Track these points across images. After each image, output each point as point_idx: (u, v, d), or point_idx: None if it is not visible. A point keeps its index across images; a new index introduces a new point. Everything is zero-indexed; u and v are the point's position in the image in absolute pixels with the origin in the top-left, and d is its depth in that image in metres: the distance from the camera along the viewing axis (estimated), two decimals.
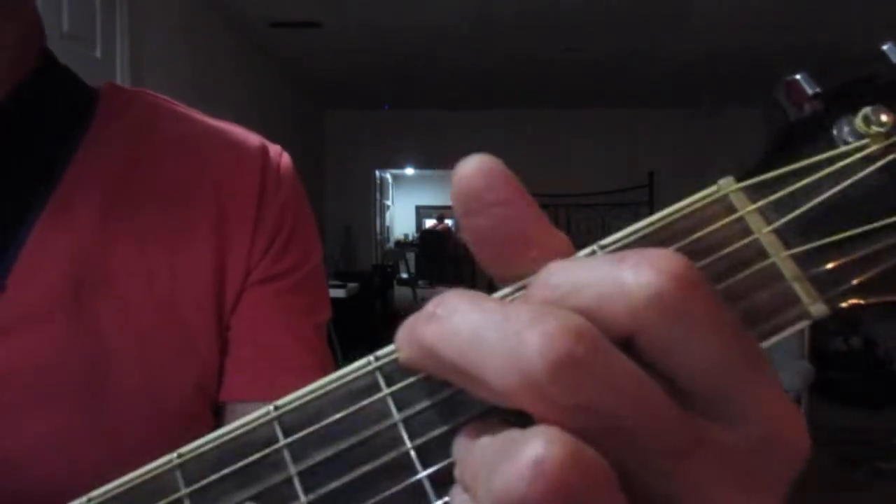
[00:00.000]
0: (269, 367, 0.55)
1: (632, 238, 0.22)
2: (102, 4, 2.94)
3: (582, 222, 7.34)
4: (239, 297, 0.56)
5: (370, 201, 8.77)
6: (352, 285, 5.17)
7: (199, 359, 0.54)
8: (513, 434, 0.17)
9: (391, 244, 12.41)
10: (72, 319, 0.49)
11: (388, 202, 12.71)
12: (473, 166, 0.21)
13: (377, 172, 9.14)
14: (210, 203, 0.56)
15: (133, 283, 0.52)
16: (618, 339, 0.18)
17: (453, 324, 0.19)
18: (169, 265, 0.53)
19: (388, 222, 12.48)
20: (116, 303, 0.51)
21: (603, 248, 0.22)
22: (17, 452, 0.47)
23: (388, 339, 0.22)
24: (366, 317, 5.73)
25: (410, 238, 13.54)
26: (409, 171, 11.09)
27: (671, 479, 0.18)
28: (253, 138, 0.61)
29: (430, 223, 13.29)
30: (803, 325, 0.21)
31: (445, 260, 10.70)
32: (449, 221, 12.12)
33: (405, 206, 14.41)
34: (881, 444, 4.19)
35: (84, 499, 0.23)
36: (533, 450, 0.16)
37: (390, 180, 13.02)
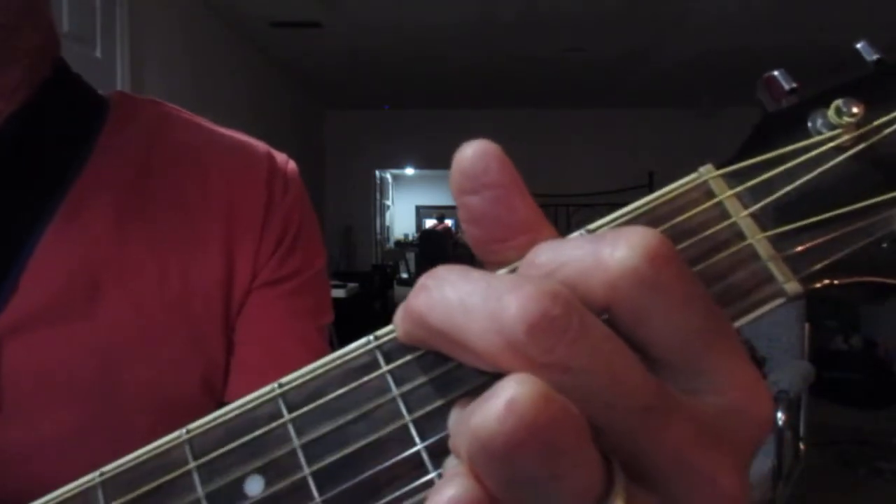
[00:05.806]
0: (274, 367, 0.56)
1: (617, 223, 0.23)
2: (102, 4, 2.94)
3: (582, 222, 7.32)
4: (245, 298, 0.57)
5: (370, 201, 8.76)
6: (352, 285, 5.16)
7: (207, 357, 0.55)
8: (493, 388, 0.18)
9: (391, 244, 12.40)
10: (84, 318, 0.50)
11: (388, 202, 12.70)
12: (473, 149, 0.22)
13: (377, 172, 9.13)
14: (219, 208, 0.57)
15: (145, 282, 0.53)
16: (596, 310, 0.19)
17: (442, 292, 0.20)
18: (180, 267, 0.54)
19: (388, 222, 12.47)
20: (128, 302, 0.52)
21: (590, 231, 0.23)
22: (30, 448, 0.48)
23: None
24: (366, 317, 5.72)
25: (410, 238, 13.52)
26: (409, 171, 11.08)
27: (640, 438, 0.19)
28: (259, 146, 0.62)
29: (430, 223, 13.27)
30: (779, 302, 0.22)
31: (445, 260, 10.60)
32: (449, 221, 12.09)
33: (405, 206, 14.40)
34: (881, 444, 4.19)
35: (96, 473, 0.23)
36: (508, 391, 0.17)
37: (390, 180, 13.01)
